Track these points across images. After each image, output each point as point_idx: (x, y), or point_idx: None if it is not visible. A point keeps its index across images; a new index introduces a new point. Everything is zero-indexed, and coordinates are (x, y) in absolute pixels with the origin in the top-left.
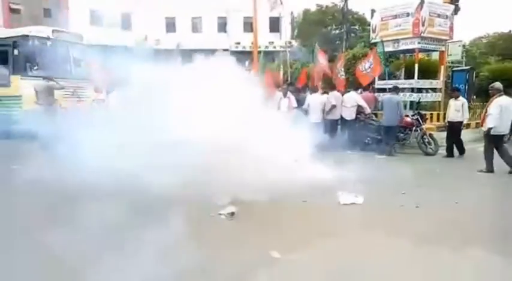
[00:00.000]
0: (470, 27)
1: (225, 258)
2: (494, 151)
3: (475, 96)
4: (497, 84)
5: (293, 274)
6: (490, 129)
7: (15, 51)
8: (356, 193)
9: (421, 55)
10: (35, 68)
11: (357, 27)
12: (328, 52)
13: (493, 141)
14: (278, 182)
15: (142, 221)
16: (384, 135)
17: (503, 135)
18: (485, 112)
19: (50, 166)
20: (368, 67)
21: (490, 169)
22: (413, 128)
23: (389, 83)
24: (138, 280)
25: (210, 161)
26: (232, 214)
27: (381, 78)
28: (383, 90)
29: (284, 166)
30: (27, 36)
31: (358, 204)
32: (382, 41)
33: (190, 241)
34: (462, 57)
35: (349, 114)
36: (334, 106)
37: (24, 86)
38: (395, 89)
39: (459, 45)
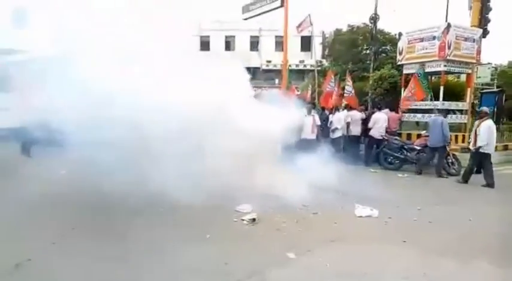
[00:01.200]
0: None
1: (247, 257)
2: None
3: (505, 119)
4: (485, 109)
5: (305, 271)
6: (479, 147)
7: None
8: (372, 206)
9: (450, 77)
10: None
11: (388, 47)
12: (358, 72)
13: (481, 158)
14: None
15: None
16: (428, 155)
17: (489, 154)
18: (475, 133)
19: None
20: (410, 92)
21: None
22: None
23: (416, 104)
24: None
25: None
26: (254, 220)
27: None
28: (413, 111)
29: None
30: None
31: (373, 217)
32: (422, 67)
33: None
34: (493, 80)
35: (377, 133)
36: (348, 124)
37: None
38: (443, 111)
39: (488, 68)
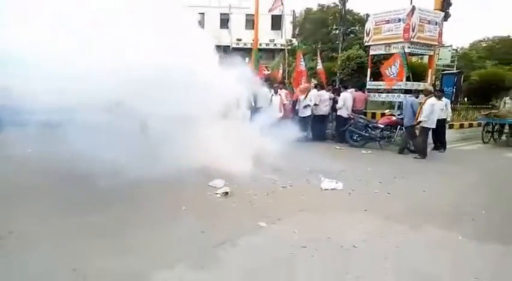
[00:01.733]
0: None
1: (222, 226)
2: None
3: (466, 99)
4: (429, 87)
5: (274, 238)
6: (420, 121)
7: None
8: (337, 180)
9: (414, 59)
10: None
11: (357, 27)
12: (327, 51)
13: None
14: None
15: None
16: (405, 134)
17: (430, 128)
18: (420, 109)
19: None
20: (394, 72)
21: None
22: (399, 126)
23: (379, 84)
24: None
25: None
26: (226, 193)
27: (375, 79)
28: (374, 90)
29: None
30: None
31: (338, 189)
32: (403, 48)
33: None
34: (453, 62)
35: (345, 113)
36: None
37: None
38: (416, 92)
39: (449, 50)
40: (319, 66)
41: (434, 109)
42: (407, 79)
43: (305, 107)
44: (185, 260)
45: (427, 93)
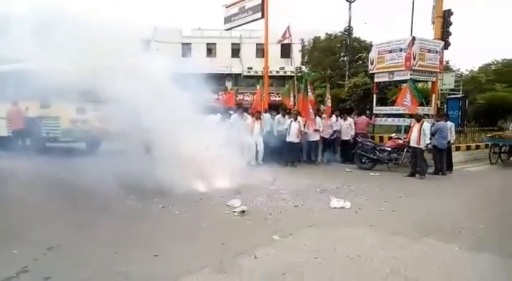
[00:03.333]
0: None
1: (239, 239)
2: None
3: (474, 121)
4: (420, 113)
5: (287, 249)
6: (428, 144)
7: None
8: (346, 200)
9: (420, 84)
10: None
11: (364, 54)
12: (336, 78)
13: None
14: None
15: None
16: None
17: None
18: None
19: None
20: (408, 102)
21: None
22: (405, 149)
23: (385, 109)
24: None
25: None
26: (243, 212)
27: (383, 104)
28: (380, 115)
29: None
30: None
31: (346, 208)
32: (411, 78)
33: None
34: (458, 86)
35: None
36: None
37: None
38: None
39: (452, 76)
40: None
41: (424, 133)
42: (422, 104)
43: (315, 130)
44: (208, 268)
45: (419, 118)
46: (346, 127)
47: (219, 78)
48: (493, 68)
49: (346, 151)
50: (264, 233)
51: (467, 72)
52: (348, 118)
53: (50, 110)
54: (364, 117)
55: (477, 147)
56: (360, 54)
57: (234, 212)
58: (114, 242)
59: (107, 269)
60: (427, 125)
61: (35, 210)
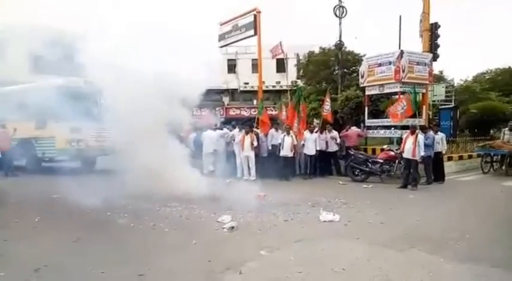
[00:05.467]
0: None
1: (227, 255)
2: None
3: (467, 131)
4: (414, 124)
5: (273, 264)
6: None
7: None
8: (337, 212)
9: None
10: None
11: (357, 67)
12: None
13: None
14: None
15: None
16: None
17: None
18: (414, 144)
19: None
20: (401, 108)
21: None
22: (397, 160)
23: (376, 121)
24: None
25: None
26: (232, 228)
27: (375, 117)
28: (373, 127)
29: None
30: None
31: (335, 221)
32: (414, 88)
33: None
34: (449, 97)
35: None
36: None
37: None
38: (412, 128)
39: (442, 87)
40: (327, 107)
41: (418, 144)
42: (414, 116)
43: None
44: None
45: (414, 130)
46: (332, 139)
47: (216, 94)
48: (487, 77)
49: (336, 164)
50: (252, 249)
51: (461, 82)
52: (333, 131)
53: (45, 130)
54: (355, 129)
55: (469, 157)
56: (354, 67)
57: (224, 228)
58: (103, 261)
59: None
60: (421, 137)
61: (25, 231)
